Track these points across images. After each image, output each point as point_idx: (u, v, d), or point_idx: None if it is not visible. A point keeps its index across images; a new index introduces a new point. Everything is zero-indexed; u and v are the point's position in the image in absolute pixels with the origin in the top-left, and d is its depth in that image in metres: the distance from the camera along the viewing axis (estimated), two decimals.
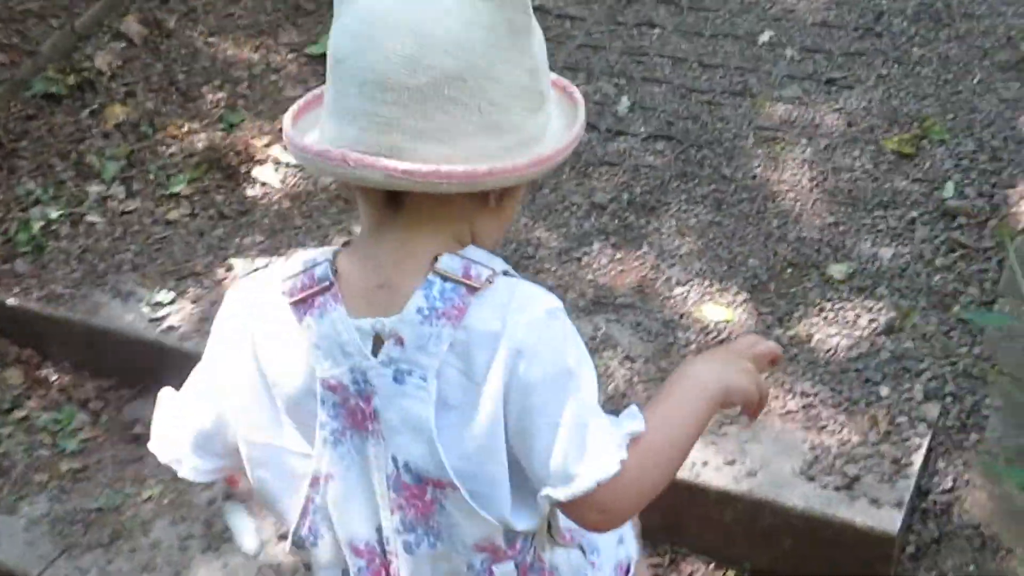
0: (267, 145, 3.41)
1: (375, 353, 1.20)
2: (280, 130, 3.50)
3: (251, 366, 1.26)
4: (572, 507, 1.20)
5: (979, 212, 2.79)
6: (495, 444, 1.20)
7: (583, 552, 1.46)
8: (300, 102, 1.30)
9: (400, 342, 1.18)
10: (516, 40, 1.18)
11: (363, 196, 1.23)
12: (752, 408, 1.35)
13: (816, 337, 2.55)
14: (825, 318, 2.60)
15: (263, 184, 3.29)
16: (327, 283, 1.20)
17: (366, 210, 1.23)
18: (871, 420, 2.32)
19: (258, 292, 1.28)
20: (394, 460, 1.23)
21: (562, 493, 1.18)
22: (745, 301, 2.68)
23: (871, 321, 2.57)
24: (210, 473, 1.38)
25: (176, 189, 3.28)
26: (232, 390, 1.29)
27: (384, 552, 1.29)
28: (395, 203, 1.19)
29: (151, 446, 1.41)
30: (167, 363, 2.79)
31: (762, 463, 2.25)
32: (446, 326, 1.17)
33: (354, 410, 1.23)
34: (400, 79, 1.11)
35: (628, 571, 1.59)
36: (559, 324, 1.20)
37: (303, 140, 1.19)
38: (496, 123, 1.16)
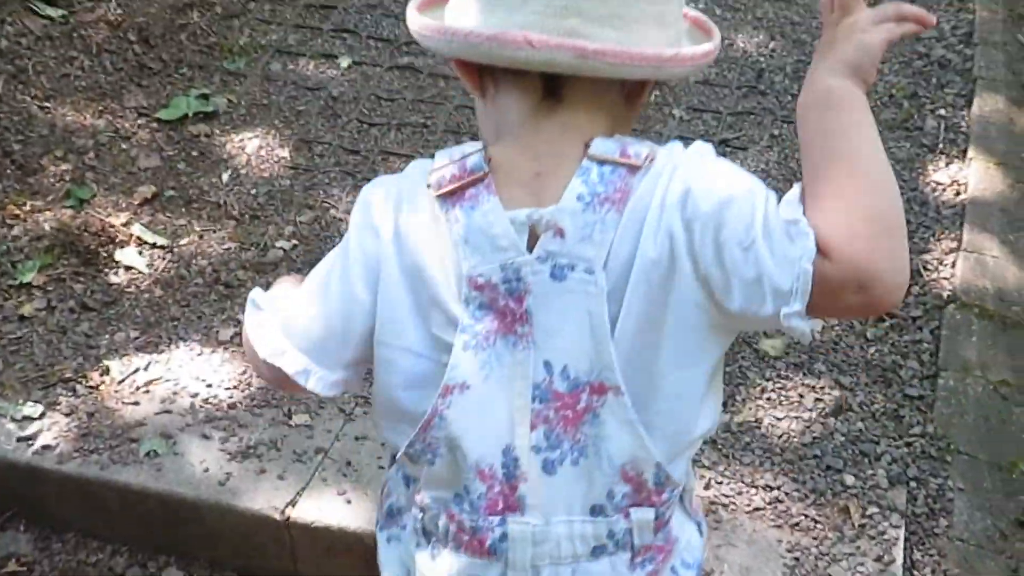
0: (126, 223, 3.05)
1: (530, 248, 1.13)
2: (140, 204, 3.18)
3: (391, 263, 1.18)
4: (825, 305, 1.06)
5: None
6: (670, 338, 1.13)
7: (699, 531, 1.36)
8: (414, 3, 1.22)
9: (560, 234, 1.11)
10: None
11: (517, 87, 1.16)
12: (909, 25, 1.16)
13: (765, 422, 2.44)
14: (769, 399, 2.50)
15: (128, 269, 2.93)
16: (481, 173, 1.14)
17: (519, 102, 1.17)
18: (842, 512, 2.22)
19: (399, 185, 1.21)
20: (547, 366, 1.15)
21: (797, 302, 1.05)
22: None
23: (816, 401, 2.49)
24: (335, 385, 1.25)
25: (26, 279, 2.87)
26: (367, 288, 1.20)
27: (509, 476, 1.19)
28: (554, 94, 1.15)
29: (267, 357, 1.23)
30: (43, 489, 2.42)
31: (742, 572, 2.11)
32: (611, 211, 1.11)
33: (503, 311, 1.14)
34: None
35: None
36: (711, 156, 1.15)
37: (461, 25, 1.13)
38: (661, 14, 1.14)
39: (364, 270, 1.20)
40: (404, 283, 1.17)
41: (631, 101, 1.19)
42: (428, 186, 1.16)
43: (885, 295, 1.06)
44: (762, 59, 3.58)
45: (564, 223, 1.11)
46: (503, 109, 1.18)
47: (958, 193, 2.98)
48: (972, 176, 3.00)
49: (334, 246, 1.26)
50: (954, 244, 2.83)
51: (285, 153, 3.31)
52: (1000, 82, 3.33)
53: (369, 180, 3.19)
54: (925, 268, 2.78)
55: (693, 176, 1.10)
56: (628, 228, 1.11)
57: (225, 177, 3.23)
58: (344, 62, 3.66)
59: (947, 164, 3.10)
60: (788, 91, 3.43)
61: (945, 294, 2.70)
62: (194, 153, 3.32)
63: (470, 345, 1.15)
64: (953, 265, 2.77)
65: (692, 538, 1.32)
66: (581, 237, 1.11)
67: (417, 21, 1.18)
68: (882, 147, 1.10)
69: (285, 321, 1.25)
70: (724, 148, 3.22)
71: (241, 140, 3.36)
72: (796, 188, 1.11)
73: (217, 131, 3.40)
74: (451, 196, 1.14)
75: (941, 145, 3.16)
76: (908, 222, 2.92)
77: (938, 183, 3.03)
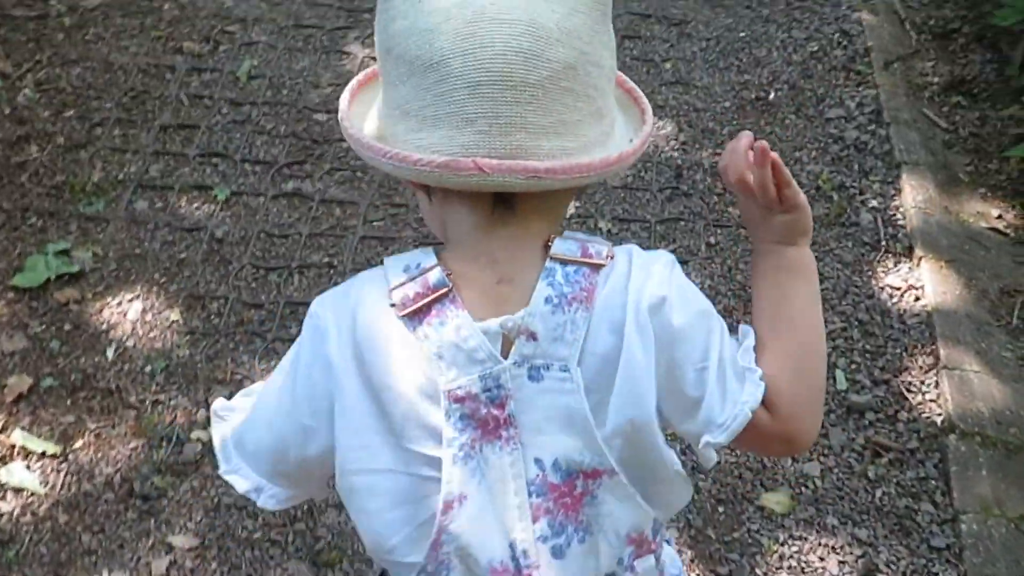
0: (3, 430, 2.57)
1: (505, 355, 1.14)
2: (14, 402, 2.69)
3: (350, 391, 1.16)
4: (746, 443, 1.19)
5: (885, 404, 2.61)
6: (648, 418, 1.16)
7: (669, 543, 1.41)
8: (344, 105, 1.22)
9: (532, 337, 1.14)
10: (606, 22, 1.16)
11: (467, 202, 1.15)
12: (773, 159, 1.21)
13: None
14: (791, 568, 2.30)
15: (18, 492, 2.46)
16: (445, 288, 1.14)
17: (470, 215, 1.16)
18: None
19: (351, 306, 1.18)
20: (538, 462, 1.17)
21: (723, 437, 1.17)
22: (694, 559, 2.32)
23: (840, 564, 2.30)
24: (289, 500, 1.29)
25: None
26: (316, 417, 1.19)
27: (519, 569, 1.20)
28: (506, 204, 1.14)
29: (222, 473, 1.28)
30: None
31: None
32: (579, 310, 1.14)
33: (486, 419, 1.15)
34: (521, 76, 1.07)
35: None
36: (679, 272, 1.19)
37: (404, 151, 1.11)
38: (599, 109, 1.15)
39: (313, 401, 1.19)
40: (369, 408, 1.16)
41: (572, 193, 1.21)
42: (392, 305, 1.15)
43: (804, 447, 1.28)
44: (676, 155, 3.38)
45: (535, 326, 1.13)
46: (452, 217, 1.18)
47: (917, 299, 2.86)
48: (926, 279, 2.88)
49: None
50: (931, 360, 2.70)
51: (175, 315, 2.89)
52: (923, 165, 3.24)
53: (280, 339, 2.83)
54: (908, 390, 2.64)
55: (667, 286, 1.15)
56: (600, 325, 1.14)
57: (110, 354, 2.79)
58: (220, 194, 3.24)
59: (896, 264, 2.97)
60: (711, 190, 3.25)
61: (937, 419, 2.56)
62: (66, 327, 2.85)
63: (459, 458, 1.16)
64: (936, 385, 2.63)
65: (669, 552, 1.37)
66: (553, 338, 1.13)
67: (358, 140, 1.16)
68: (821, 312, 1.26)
69: (239, 438, 1.27)
70: None
71: (119, 304, 2.91)
72: (752, 335, 1.22)
73: (88, 295, 2.94)
74: (416, 314, 1.14)
75: (884, 243, 3.03)
76: (874, 335, 2.79)
77: (894, 288, 2.90)
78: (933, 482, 2.45)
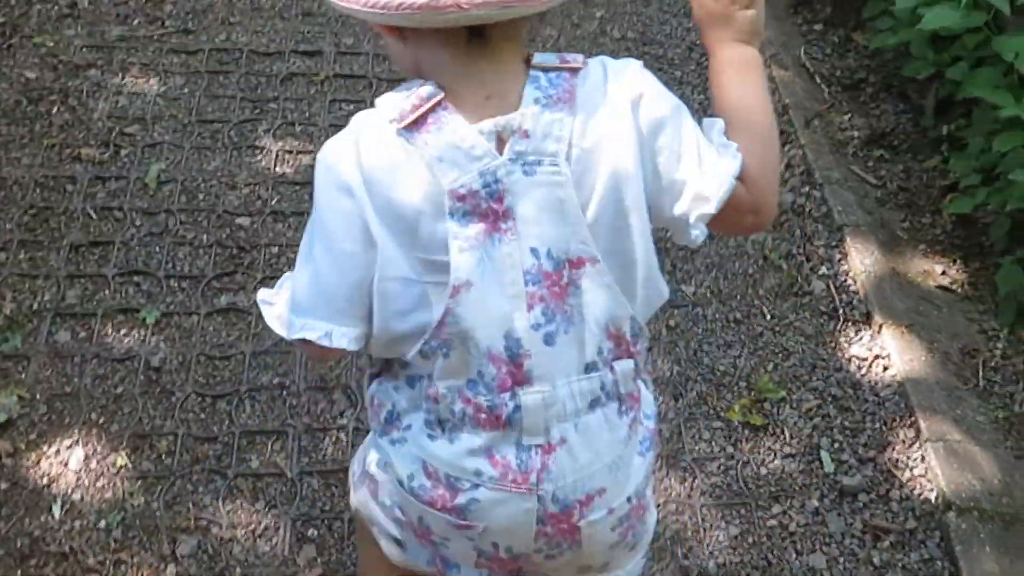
0: None
1: (500, 153, 1.27)
2: None
3: (369, 209, 1.29)
4: (722, 221, 1.34)
5: (875, 484, 2.60)
6: (636, 203, 1.31)
7: (647, 387, 1.52)
8: None
9: (525, 135, 1.27)
10: None
11: (442, 39, 1.27)
12: None
13: None
14: None
15: None
16: (439, 96, 1.27)
17: (446, 47, 1.28)
18: None
19: (352, 137, 1.31)
20: (534, 252, 1.30)
21: (713, 207, 1.32)
22: None
23: None
24: (361, 339, 1.38)
25: None
26: (355, 241, 1.30)
27: (513, 357, 1.33)
28: (480, 37, 1.27)
29: (290, 336, 1.39)
30: None
31: None
32: (564, 109, 1.28)
33: (486, 214, 1.28)
34: None
35: None
36: (650, 73, 1.36)
37: None
38: None
39: (347, 228, 1.31)
40: (382, 222, 1.28)
41: (531, 19, 1.31)
42: (391, 121, 1.27)
43: (768, 220, 1.42)
44: None
45: (527, 124, 1.27)
46: (429, 52, 1.30)
47: (886, 368, 2.86)
48: (890, 347, 2.88)
49: None
50: (911, 433, 2.70)
51: (121, 459, 2.67)
52: (864, 226, 3.26)
53: (243, 474, 2.66)
54: (896, 467, 2.63)
55: (642, 83, 1.33)
56: (583, 122, 1.28)
57: (57, 511, 2.55)
58: (149, 316, 3.02)
59: (857, 333, 2.97)
60: (662, 270, 3.19)
61: (930, 496, 2.56)
62: (2, 485, 2.61)
63: (464, 249, 1.28)
64: (923, 459, 2.63)
65: (647, 394, 1.51)
66: (544, 135, 1.27)
67: None
68: None
69: (292, 303, 1.39)
70: None
71: (57, 452, 2.68)
72: (720, 122, 1.38)
73: (21, 446, 2.69)
74: (414, 125, 1.27)
75: (842, 311, 3.02)
76: (851, 410, 2.78)
77: (860, 359, 2.90)
78: (939, 563, 2.44)
